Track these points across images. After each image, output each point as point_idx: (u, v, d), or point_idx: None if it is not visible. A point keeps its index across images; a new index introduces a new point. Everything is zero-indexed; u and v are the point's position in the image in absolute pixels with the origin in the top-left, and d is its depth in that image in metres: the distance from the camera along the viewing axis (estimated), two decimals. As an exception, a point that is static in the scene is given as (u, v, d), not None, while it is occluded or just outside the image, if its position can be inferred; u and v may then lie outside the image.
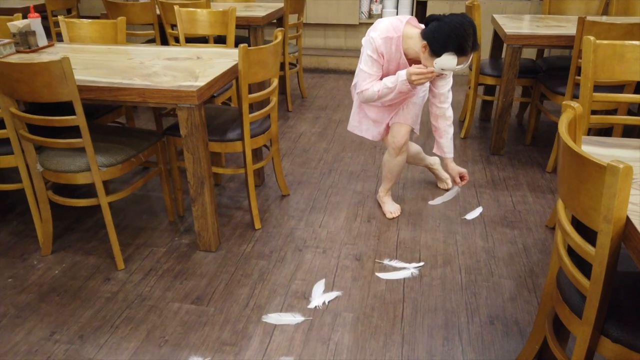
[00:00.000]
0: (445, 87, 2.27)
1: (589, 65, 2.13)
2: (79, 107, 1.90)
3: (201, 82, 2.02)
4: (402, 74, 2.07)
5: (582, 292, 1.19)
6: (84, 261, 2.25)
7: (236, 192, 2.84)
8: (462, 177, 2.40)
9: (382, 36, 2.09)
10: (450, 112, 2.33)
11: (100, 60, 2.38)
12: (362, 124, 2.47)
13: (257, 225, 2.48)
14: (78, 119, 1.91)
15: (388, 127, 2.42)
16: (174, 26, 3.48)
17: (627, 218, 1.05)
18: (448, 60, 1.96)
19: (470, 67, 3.48)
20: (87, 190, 2.83)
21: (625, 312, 1.22)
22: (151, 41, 3.86)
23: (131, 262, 2.24)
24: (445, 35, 1.94)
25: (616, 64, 2.16)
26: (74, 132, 2.14)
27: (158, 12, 3.58)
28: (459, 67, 2.00)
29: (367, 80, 2.18)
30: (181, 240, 2.40)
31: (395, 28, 2.10)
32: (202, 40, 3.59)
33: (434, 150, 2.45)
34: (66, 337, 1.83)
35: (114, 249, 2.18)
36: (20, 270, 2.20)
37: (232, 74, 2.27)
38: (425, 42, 2.00)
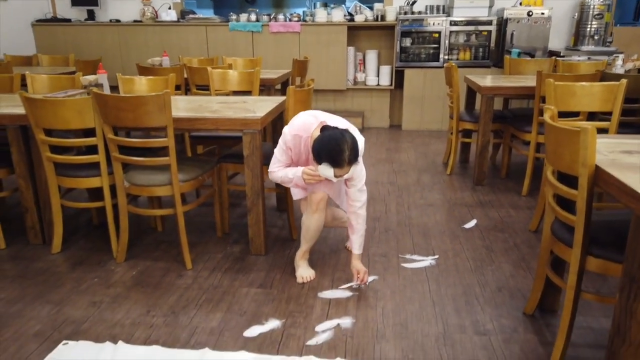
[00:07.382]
0: (355, 186, 2.33)
1: (551, 99, 2.83)
2: (170, 131, 2.41)
3: (260, 114, 2.58)
4: (299, 171, 2.27)
5: (571, 224, 1.75)
6: (154, 265, 2.65)
7: (267, 215, 3.31)
8: (361, 276, 2.39)
9: (293, 133, 2.30)
10: (363, 211, 2.37)
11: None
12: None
13: (294, 235, 2.96)
14: (169, 140, 2.42)
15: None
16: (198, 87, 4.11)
17: (596, 165, 1.64)
18: (325, 170, 2.11)
19: (451, 116, 4.20)
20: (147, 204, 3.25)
21: (602, 238, 1.77)
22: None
23: (195, 264, 2.65)
24: (320, 147, 2.10)
25: (570, 99, 2.88)
26: (150, 152, 2.64)
27: (185, 75, 4.19)
28: (342, 176, 2.16)
29: (275, 164, 2.40)
30: (233, 249, 2.84)
31: (306, 128, 2.28)
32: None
33: (347, 244, 2.73)
34: (161, 313, 2.22)
35: (183, 250, 2.60)
36: (102, 272, 2.58)
37: (277, 110, 2.85)
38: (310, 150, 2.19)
